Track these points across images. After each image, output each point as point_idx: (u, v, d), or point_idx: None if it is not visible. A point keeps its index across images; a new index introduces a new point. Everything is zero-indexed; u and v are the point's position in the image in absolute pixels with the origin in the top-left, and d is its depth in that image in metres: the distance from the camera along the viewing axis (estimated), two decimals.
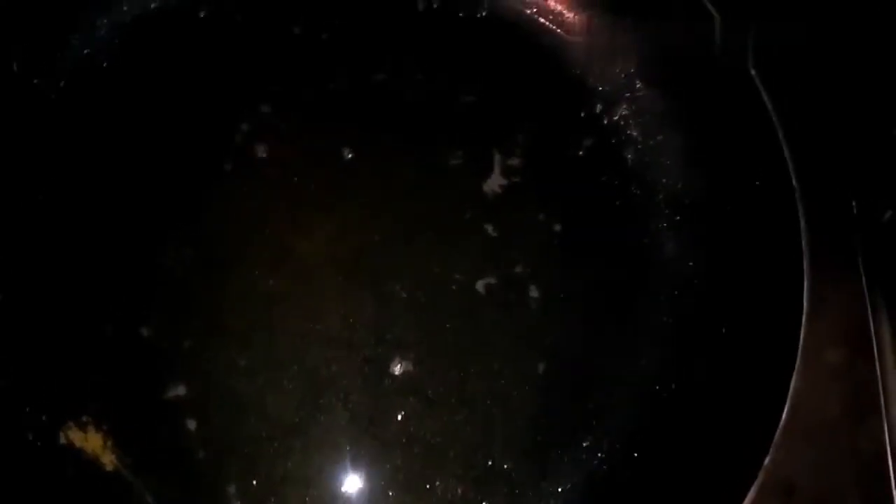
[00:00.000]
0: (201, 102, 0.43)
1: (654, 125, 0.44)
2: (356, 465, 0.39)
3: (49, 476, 0.38)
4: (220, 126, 0.42)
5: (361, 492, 0.38)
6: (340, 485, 0.39)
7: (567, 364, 0.41)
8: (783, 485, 0.39)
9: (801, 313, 0.37)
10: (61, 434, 0.38)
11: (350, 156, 0.43)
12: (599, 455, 0.40)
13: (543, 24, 0.46)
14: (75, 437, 0.38)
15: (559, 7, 0.46)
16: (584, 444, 0.40)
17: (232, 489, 0.38)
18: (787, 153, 0.39)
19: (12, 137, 0.41)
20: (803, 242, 0.38)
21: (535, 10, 0.46)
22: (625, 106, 0.45)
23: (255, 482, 0.38)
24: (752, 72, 0.40)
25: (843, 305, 0.40)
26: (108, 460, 0.38)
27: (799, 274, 0.38)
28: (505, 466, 0.39)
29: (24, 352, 0.39)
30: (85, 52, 0.42)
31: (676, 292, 0.42)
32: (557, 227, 0.43)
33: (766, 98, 0.40)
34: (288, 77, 0.43)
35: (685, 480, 0.38)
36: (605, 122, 0.45)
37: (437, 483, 0.38)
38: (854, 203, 0.41)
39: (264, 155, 0.42)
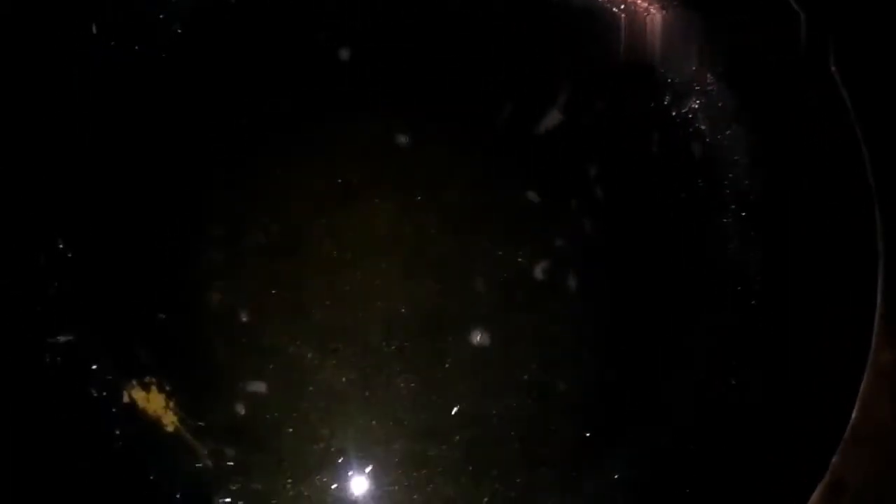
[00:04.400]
0: (263, 77, 0.42)
1: (723, 119, 0.44)
2: (414, 439, 0.39)
3: (110, 433, 0.38)
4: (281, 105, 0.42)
5: (417, 465, 0.39)
6: (396, 457, 0.39)
7: (624, 354, 0.41)
8: (836, 485, 0.39)
9: (874, 316, 0.37)
10: (125, 393, 0.39)
11: (408, 141, 0.42)
12: (654, 448, 0.40)
13: (616, 13, 0.45)
14: (138, 396, 0.39)
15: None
16: (640, 435, 0.40)
17: (291, 458, 0.38)
18: (864, 152, 0.38)
19: (89, 99, 0.41)
20: (879, 244, 0.37)
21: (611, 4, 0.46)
22: (694, 98, 0.44)
23: (312, 450, 0.39)
24: (833, 69, 0.39)
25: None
26: (170, 421, 0.39)
27: (872, 276, 0.37)
28: (562, 450, 0.39)
29: (93, 308, 0.40)
30: (160, 16, 0.42)
31: (739, 288, 0.42)
32: (621, 218, 0.42)
33: (845, 96, 0.39)
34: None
35: (744, 478, 0.38)
36: (674, 114, 0.44)
37: (496, 459, 0.39)
38: None
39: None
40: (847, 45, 0.40)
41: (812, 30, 0.39)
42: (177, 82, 0.42)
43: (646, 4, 0.45)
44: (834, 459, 0.37)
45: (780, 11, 0.40)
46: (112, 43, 0.41)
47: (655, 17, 0.45)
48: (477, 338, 0.40)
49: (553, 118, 0.43)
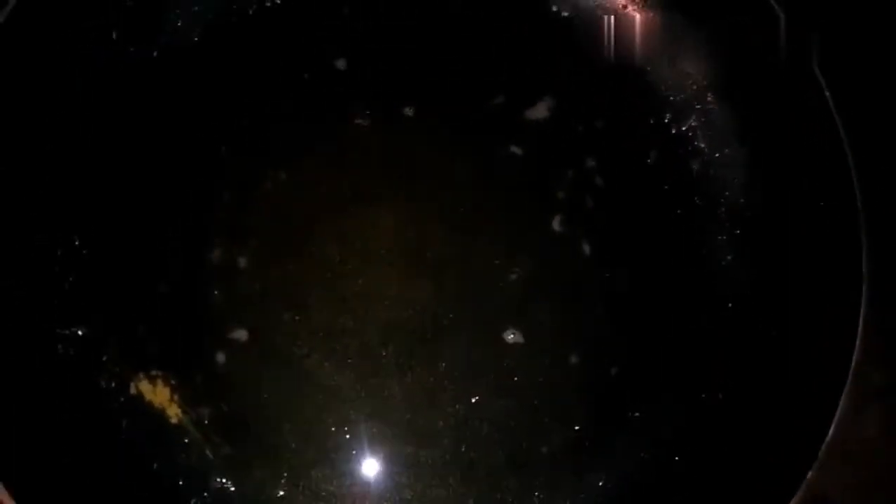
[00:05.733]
0: (275, 81, 0.43)
1: (721, 138, 0.44)
2: (407, 442, 0.40)
3: (117, 423, 0.40)
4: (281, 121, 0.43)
5: (408, 465, 0.40)
6: (390, 458, 0.40)
7: (614, 365, 0.42)
8: (819, 500, 0.39)
9: (856, 335, 0.37)
10: (132, 385, 0.40)
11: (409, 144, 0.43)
12: (640, 456, 0.41)
13: (611, 23, 0.45)
14: (145, 388, 0.40)
15: (626, 5, 0.46)
16: (626, 444, 0.41)
17: (288, 454, 0.40)
18: (853, 175, 0.39)
19: (108, 99, 0.42)
20: (864, 265, 0.38)
21: (599, 9, 0.46)
22: (694, 117, 0.45)
23: (308, 447, 0.40)
24: (817, 71, 0.39)
25: (887, 327, 0.40)
26: (174, 413, 0.40)
27: (857, 296, 0.38)
28: (549, 455, 0.40)
29: (104, 302, 0.41)
30: (179, 24, 0.43)
31: (730, 304, 0.43)
32: (618, 232, 0.43)
33: (830, 101, 0.39)
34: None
35: (724, 490, 0.39)
36: (673, 131, 0.45)
37: (484, 461, 0.40)
38: None
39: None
40: (830, 47, 0.40)
41: (793, 32, 0.40)
42: (182, 85, 0.43)
43: (638, 13, 0.45)
44: (818, 475, 0.37)
45: (762, 14, 0.40)
46: (116, 45, 0.42)
47: (637, 18, 0.45)
48: (470, 343, 0.41)
49: (542, 113, 0.44)
